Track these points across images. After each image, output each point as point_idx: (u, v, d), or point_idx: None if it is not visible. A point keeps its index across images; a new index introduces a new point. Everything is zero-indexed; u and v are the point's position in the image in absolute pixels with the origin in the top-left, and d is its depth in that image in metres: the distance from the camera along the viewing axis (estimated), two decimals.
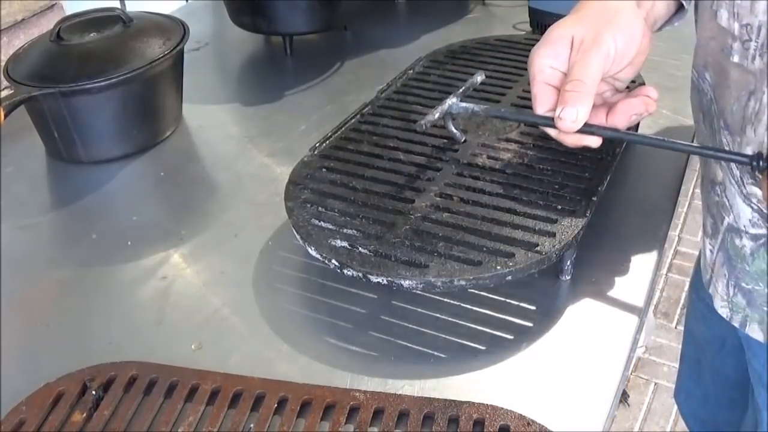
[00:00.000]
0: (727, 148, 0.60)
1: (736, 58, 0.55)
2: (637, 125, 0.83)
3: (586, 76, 0.55)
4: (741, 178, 0.60)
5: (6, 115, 0.76)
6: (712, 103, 0.61)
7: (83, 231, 0.76)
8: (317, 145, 0.73)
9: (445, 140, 0.73)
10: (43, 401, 0.54)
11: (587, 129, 0.57)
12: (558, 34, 0.58)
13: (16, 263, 0.72)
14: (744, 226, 0.61)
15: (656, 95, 0.59)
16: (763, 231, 0.60)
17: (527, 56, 0.88)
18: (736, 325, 0.67)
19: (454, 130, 0.72)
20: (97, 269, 0.70)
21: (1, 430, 0.52)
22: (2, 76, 0.83)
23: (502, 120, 0.73)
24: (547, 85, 0.58)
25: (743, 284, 0.64)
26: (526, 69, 0.86)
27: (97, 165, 0.86)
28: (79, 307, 0.66)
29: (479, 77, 0.71)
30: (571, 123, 0.56)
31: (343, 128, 0.76)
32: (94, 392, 0.54)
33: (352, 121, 0.78)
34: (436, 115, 0.65)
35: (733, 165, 0.60)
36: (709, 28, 0.58)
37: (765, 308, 0.64)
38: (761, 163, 0.52)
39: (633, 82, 0.83)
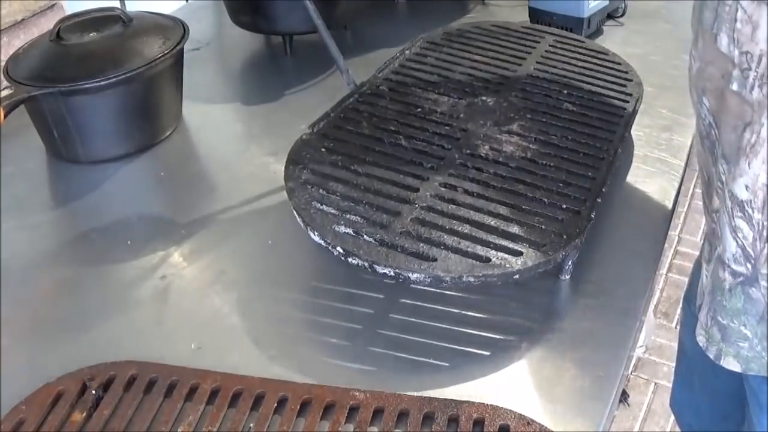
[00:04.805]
0: (723, 178, 0.59)
1: (735, 86, 0.54)
2: (630, 120, 0.83)
3: None
4: (731, 209, 0.58)
5: (6, 115, 0.76)
6: (712, 128, 0.59)
7: (83, 230, 0.76)
8: (316, 123, 0.72)
9: (447, 127, 0.73)
10: (43, 401, 0.54)
11: None
12: None
13: (16, 263, 0.72)
14: (727, 260, 0.60)
15: None
16: (742, 269, 0.60)
17: (524, 42, 0.89)
18: (711, 356, 0.66)
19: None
20: (97, 268, 0.70)
21: (1, 430, 0.52)
22: (2, 76, 0.83)
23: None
24: None
25: (719, 318, 0.63)
26: (522, 54, 0.87)
27: (97, 165, 0.86)
28: (79, 307, 0.66)
29: None
30: None
31: (342, 106, 0.76)
32: (93, 392, 0.54)
33: (350, 100, 0.77)
34: None
35: (726, 195, 0.58)
36: (709, 52, 0.56)
37: (740, 344, 0.63)
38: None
39: (630, 80, 0.84)
